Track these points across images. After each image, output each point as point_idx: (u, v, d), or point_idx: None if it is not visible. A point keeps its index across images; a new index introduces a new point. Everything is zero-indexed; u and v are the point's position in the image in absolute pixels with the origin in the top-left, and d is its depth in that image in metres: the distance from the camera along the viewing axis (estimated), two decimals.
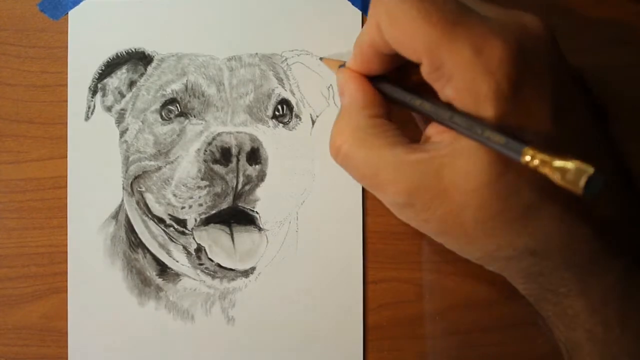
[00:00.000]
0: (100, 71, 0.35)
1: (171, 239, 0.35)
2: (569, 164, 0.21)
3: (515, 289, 0.29)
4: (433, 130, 0.27)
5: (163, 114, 0.35)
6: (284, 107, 0.35)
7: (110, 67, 0.35)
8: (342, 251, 0.35)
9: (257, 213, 0.34)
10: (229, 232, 0.34)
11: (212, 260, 0.34)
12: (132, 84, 0.35)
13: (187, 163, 0.34)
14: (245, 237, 0.34)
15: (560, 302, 0.28)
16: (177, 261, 0.35)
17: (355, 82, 0.29)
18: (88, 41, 0.35)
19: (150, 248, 0.35)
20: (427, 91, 0.27)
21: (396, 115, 0.29)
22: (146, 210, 0.35)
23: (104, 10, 0.35)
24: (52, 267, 0.35)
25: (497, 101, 0.24)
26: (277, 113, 0.35)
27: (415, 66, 0.26)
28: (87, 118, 0.35)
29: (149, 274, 0.35)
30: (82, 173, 0.35)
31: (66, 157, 0.35)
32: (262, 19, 0.35)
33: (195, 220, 0.34)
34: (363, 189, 0.35)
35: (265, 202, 0.34)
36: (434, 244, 0.29)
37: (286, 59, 0.35)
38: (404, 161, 0.26)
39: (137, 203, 0.35)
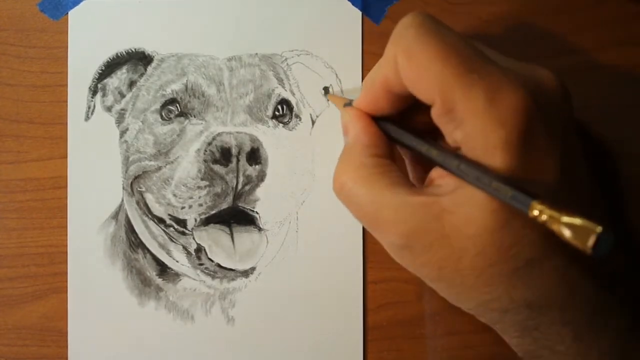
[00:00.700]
0: (100, 71, 0.35)
1: (171, 239, 0.35)
2: (578, 222, 0.21)
3: None
4: (436, 174, 0.27)
5: (163, 114, 0.35)
6: (284, 107, 0.35)
7: (110, 67, 0.35)
8: (342, 251, 0.35)
9: (257, 213, 0.34)
10: (229, 232, 0.34)
11: (212, 261, 0.34)
12: (132, 84, 0.35)
13: (187, 163, 0.34)
14: (245, 237, 0.34)
15: None
16: (177, 261, 0.35)
17: (360, 121, 0.29)
18: (88, 41, 0.35)
19: (150, 248, 0.35)
20: (428, 135, 0.26)
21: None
22: (146, 210, 0.35)
23: (104, 10, 0.35)
24: (52, 267, 0.35)
25: (506, 152, 0.24)
26: (277, 113, 0.35)
27: (421, 109, 0.26)
28: (87, 118, 0.35)
29: (149, 274, 0.35)
30: (82, 173, 0.35)
31: (66, 157, 0.35)
32: (262, 19, 0.35)
33: (195, 220, 0.34)
34: None
35: (265, 202, 0.34)
36: None
37: (286, 59, 0.35)
38: (405, 203, 0.26)
39: (137, 203, 0.35)
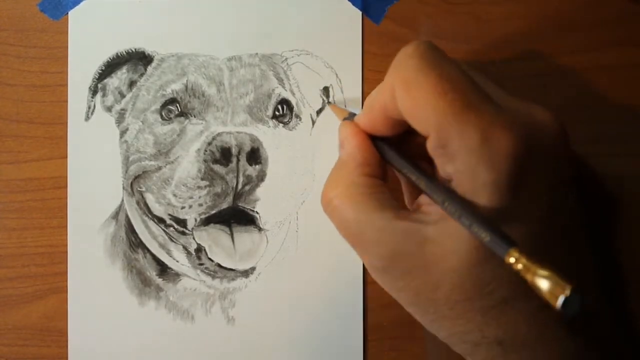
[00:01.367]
0: (100, 71, 0.35)
1: (171, 239, 0.35)
2: (550, 277, 0.21)
3: None
4: (424, 200, 0.27)
5: (163, 114, 0.35)
6: (284, 107, 0.35)
7: (111, 67, 0.35)
8: (342, 251, 0.35)
9: (257, 213, 0.34)
10: (229, 232, 0.34)
11: (212, 260, 0.35)
12: (132, 84, 0.35)
13: (187, 163, 0.34)
14: (245, 237, 0.34)
15: None
16: (177, 261, 0.35)
17: (356, 138, 0.28)
18: (88, 41, 0.35)
19: (150, 248, 0.35)
20: (426, 158, 0.26)
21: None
22: (146, 210, 0.35)
23: (104, 10, 0.35)
24: (52, 267, 0.35)
25: (493, 193, 0.24)
26: (277, 113, 0.35)
27: (419, 134, 0.26)
28: (87, 118, 0.35)
29: (149, 274, 0.35)
30: (82, 173, 0.35)
31: (66, 157, 0.35)
32: (262, 19, 0.35)
33: (195, 220, 0.34)
34: None
35: (265, 202, 0.34)
36: None
37: (286, 59, 0.35)
38: (390, 227, 0.26)
39: (137, 203, 0.35)
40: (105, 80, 0.35)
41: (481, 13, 0.35)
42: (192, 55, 0.35)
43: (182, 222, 0.34)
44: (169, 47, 0.35)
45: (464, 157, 0.24)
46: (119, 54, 0.35)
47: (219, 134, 0.34)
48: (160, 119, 0.35)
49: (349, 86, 0.35)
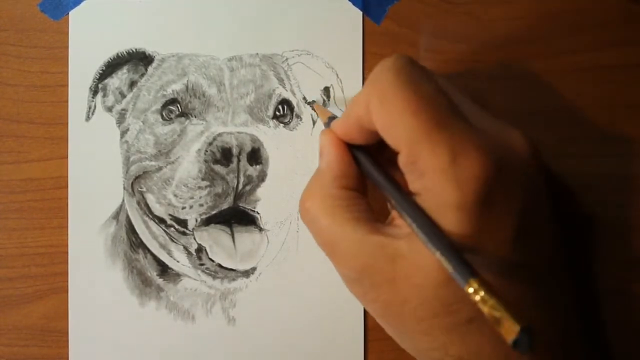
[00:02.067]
0: (100, 71, 0.35)
1: (172, 239, 0.35)
2: (503, 314, 0.21)
3: None
4: (397, 214, 0.27)
5: (164, 114, 0.35)
6: (285, 107, 0.35)
7: (111, 67, 0.35)
8: None
9: (257, 213, 0.34)
10: (229, 232, 0.34)
11: (212, 261, 0.35)
12: (132, 84, 0.35)
13: (188, 163, 0.34)
14: (245, 237, 0.34)
15: None
16: (178, 261, 0.35)
17: (335, 149, 0.29)
18: (89, 41, 0.35)
19: (151, 248, 0.35)
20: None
21: None
22: (147, 210, 0.35)
23: (104, 10, 0.35)
24: (53, 268, 0.35)
25: (459, 213, 0.24)
26: (277, 113, 0.35)
27: None
28: (87, 118, 0.35)
29: (150, 274, 0.35)
30: (82, 173, 0.35)
31: (67, 157, 0.35)
32: (262, 19, 0.35)
33: (196, 220, 0.34)
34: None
35: (266, 202, 0.34)
36: None
37: (287, 59, 0.35)
38: (363, 240, 0.26)
39: (138, 203, 0.35)
40: (105, 81, 0.35)
41: (481, 13, 0.35)
42: (192, 55, 0.35)
43: (182, 223, 0.34)
44: (169, 47, 0.35)
45: (433, 176, 0.24)
46: (120, 54, 0.35)
47: (219, 134, 0.34)
48: (160, 119, 0.35)
49: (350, 86, 0.35)
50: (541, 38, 0.34)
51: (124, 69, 0.35)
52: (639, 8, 0.34)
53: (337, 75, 0.35)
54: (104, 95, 0.35)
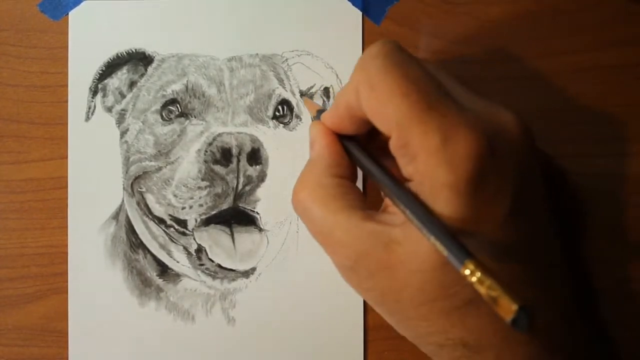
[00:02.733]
0: (100, 72, 0.35)
1: (172, 239, 0.35)
2: (500, 294, 0.21)
3: None
4: (391, 200, 0.27)
5: (163, 114, 0.35)
6: (285, 107, 0.35)
7: (111, 67, 0.35)
8: None
9: (257, 213, 0.34)
10: (229, 232, 0.34)
11: (212, 261, 0.35)
12: (132, 84, 0.35)
13: (188, 163, 0.34)
14: (245, 237, 0.34)
15: None
16: (178, 262, 0.35)
17: (325, 139, 0.29)
18: (88, 42, 0.35)
19: (150, 249, 0.35)
20: (392, 156, 0.26)
21: None
22: (147, 210, 0.35)
23: (104, 10, 0.35)
24: (53, 268, 0.35)
25: (452, 194, 0.24)
26: (277, 113, 0.35)
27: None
28: (87, 118, 0.35)
29: (150, 275, 0.35)
30: (82, 173, 0.35)
31: (67, 157, 0.35)
32: (262, 19, 0.35)
33: (196, 220, 0.34)
34: (363, 188, 0.35)
35: (265, 202, 0.34)
36: None
37: (287, 60, 0.35)
38: (357, 228, 0.26)
39: (138, 203, 0.35)
40: (105, 81, 0.35)
41: (481, 13, 0.35)
42: (192, 55, 0.35)
43: (182, 223, 0.34)
44: (169, 47, 0.35)
45: (424, 158, 0.24)
46: (119, 55, 0.35)
47: (219, 135, 0.34)
48: (160, 120, 0.35)
49: None
50: (541, 38, 0.34)
51: (124, 69, 0.35)
52: (639, 8, 0.34)
53: (337, 75, 0.35)
54: (104, 96, 0.35)
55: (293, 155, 0.35)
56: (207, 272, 0.35)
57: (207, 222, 0.34)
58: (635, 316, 0.33)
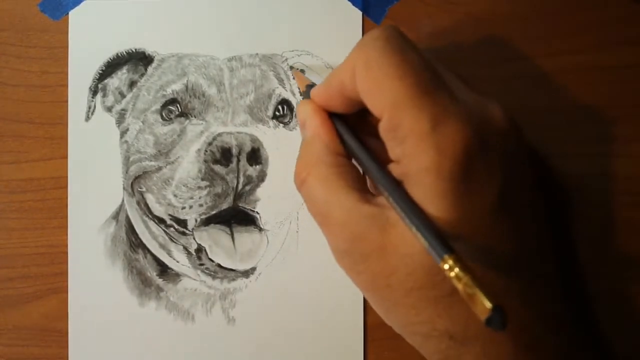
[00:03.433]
0: (100, 71, 0.35)
1: (171, 239, 0.35)
2: (476, 292, 0.22)
3: None
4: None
5: (163, 114, 0.35)
6: (285, 107, 0.35)
7: (111, 67, 0.35)
8: None
9: (257, 213, 0.34)
10: (229, 232, 0.34)
11: (212, 261, 0.35)
12: (132, 84, 0.35)
13: (188, 163, 0.34)
14: (245, 237, 0.34)
15: None
16: (178, 261, 0.35)
17: (318, 117, 0.29)
18: (88, 41, 0.35)
19: (150, 248, 0.35)
20: (380, 138, 0.27)
21: None
22: (146, 210, 0.35)
23: (104, 10, 0.35)
24: (53, 268, 0.35)
25: (438, 179, 0.24)
26: (277, 113, 0.35)
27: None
28: (87, 118, 0.35)
29: (150, 275, 0.35)
30: (82, 173, 0.35)
31: (66, 157, 0.35)
32: (262, 19, 0.35)
33: (196, 220, 0.34)
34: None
35: (265, 202, 0.34)
36: None
37: (287, 59, 0.35)
38: (355, 208, 0.26)
39: (138, 203, 0.35)
40: (105, 81, 0.35)
41: (481, 13, 0.35)
42: (192, 55, 0.35)
43: (182, 223, 0.34)
44: (169, 47, 0.35)
45: (413, 141, 0.25)
46: (119, 54, 0.35)
47: (219, 134, 0.34)
48: (160, 119, 0.35)
49: None
50: (541, 38, 0.34)
51: (124, 69, 0.35)
52: (639, 8, 0.34)
53: None
54: (104, 95, 0.35)
55: (293, 155, 0.35)
56: (207, 271, 0.35)
57: (207, 221, 0.34)
58: (628, 316, 0.33)
